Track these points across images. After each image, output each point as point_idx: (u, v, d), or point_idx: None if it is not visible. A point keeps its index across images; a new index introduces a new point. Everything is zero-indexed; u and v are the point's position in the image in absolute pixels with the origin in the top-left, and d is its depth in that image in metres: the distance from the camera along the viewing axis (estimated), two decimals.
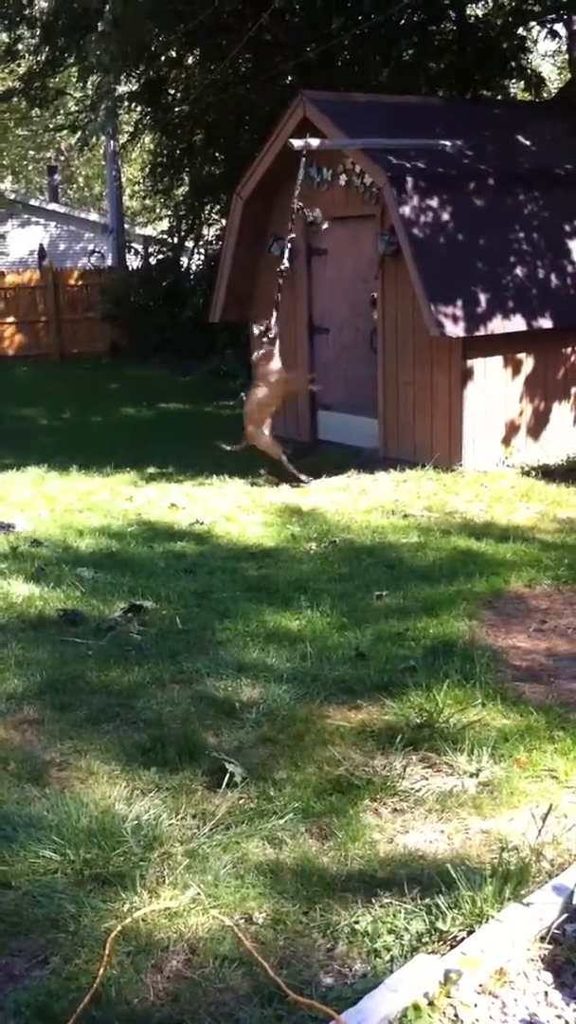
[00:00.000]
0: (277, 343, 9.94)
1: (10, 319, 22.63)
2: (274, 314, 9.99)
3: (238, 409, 14.93)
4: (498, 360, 9.94)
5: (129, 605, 5.84)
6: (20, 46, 19.11)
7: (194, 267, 22.29)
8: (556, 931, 2.98)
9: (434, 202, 9.83)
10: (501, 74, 18.15)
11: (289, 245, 10.07)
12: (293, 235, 10.01)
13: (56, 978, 2.87)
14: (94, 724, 4.45)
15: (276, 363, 9.94)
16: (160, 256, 22.71)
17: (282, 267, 10.02)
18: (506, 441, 10.12)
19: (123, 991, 2.81)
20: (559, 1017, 2.71)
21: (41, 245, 25.94)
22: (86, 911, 3.13)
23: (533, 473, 9.57)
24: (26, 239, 27.14)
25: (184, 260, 22.54)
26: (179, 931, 3.05)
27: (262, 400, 10.03)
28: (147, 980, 2.86)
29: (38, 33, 17.81)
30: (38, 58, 18.90)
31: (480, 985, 2.78)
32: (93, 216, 29.51)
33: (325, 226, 10.21)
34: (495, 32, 17.49)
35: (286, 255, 10.05)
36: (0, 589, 6.21)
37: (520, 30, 17.95)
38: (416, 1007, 2.59)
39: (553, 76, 24.99)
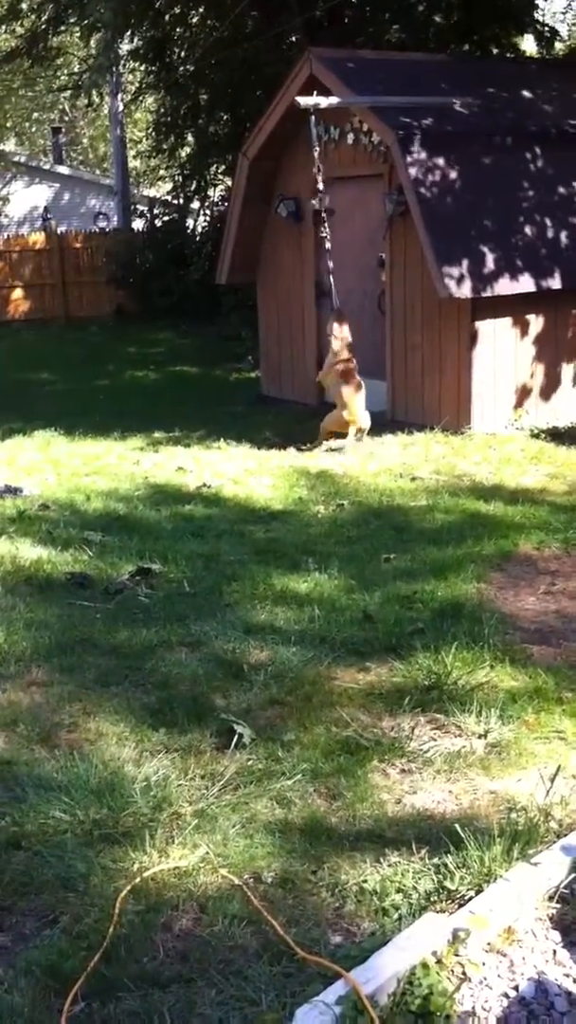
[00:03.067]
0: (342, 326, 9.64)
1: (15, 282, 22.52)
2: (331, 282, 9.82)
3: (245, 372, 14.94)
4: (507, 321, 9.86)
5: (137, 568, 5.84)
6: (24, 5, 18.84)
7: (200, 229, 22.11)
8: (564, 890, 2.99)
9: (442, 161, 9.71)
10: (512, 30, 17.86)
11: (324, 200, 9.74)
12: (322, 190, 9.72)
13: (66, 937, 2.89)
14: (103, 686, 4.46)
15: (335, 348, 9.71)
16: (165, 218, 22.53)
17: (323, 231, 9.78)
18: (515, 404, 10.06)
19: (133, 950, 2.83)
20: (567, 975, 2.72)
21: (45, 207, 25.78)
22: (96, 871, 3.15)
23: (542, 436, 9.52)
24: (29, 199, 26.96)
25: (190, 221, 22.37)
26: (188, 890, 3.07)
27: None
28: (157, 939, 2.88)
29: None
30: (41, 17, 18.65)
31: (488, 944, 2.79)
32: (98, 178, 29.29)
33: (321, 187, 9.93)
34: None
35: (326, 230, 9.77)
36: (8, 552, 6.21)
37: None
38: (424, 965, 2.60)
39: (563, 31, 24.61)
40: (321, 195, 9.74)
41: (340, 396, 9.54)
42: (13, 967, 2.79)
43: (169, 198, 23.29)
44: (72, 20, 18.22)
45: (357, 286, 10.94)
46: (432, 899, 3.00)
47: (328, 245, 9.76)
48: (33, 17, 19.13)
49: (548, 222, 10.14)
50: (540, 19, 18.56)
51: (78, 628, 5.08)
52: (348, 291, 11.08)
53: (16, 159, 27.05)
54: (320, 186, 9.67)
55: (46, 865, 3.19)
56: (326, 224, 9.77)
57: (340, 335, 9.62)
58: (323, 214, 9.79)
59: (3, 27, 20.53)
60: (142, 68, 20.12)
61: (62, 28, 18.87)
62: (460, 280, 9.27)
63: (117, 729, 4.05)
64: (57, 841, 3.30)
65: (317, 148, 9.60)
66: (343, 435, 9.43)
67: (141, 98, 22.28)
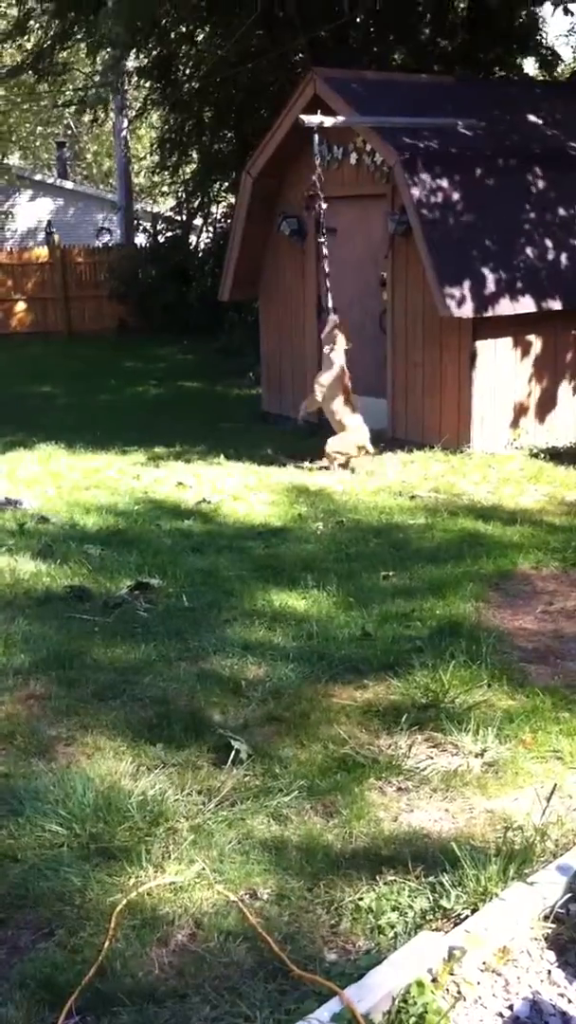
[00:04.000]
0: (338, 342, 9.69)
1: (18, 296, 22.59)
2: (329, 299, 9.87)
3: (246, 388, 14.97)
4: (507, 341, 9.90)
5: (136, 582, 5.85)
6: (32, 21, 18.97)
7: (202, 245, 22.20)
8: (560, 910, 2.99)
9: (445, 182, 9.77)
10: (515, 52, 17.99)
11: (323, 217, 9.82)
12: (322, 197, 9.79)
13: (61, 951, 2.89)
14: (100, 700, 4.46)
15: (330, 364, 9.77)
16: (168, 234, 22.63)
17: (322, 242, 9.85)
18: (514, 423, 10.09)
19: (128, 964, 2.83)
20: (562, 995, 2.72)
21: (49, 222, 25.88)
22: (92, 885, 3.15)
23: (541, 455, 9.54)
24: (33, 212, 27.07)
25: (192, 238, 22.46)
26: (184, 906, 3.07)
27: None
28: (152, 954, 2.88)
29: (49, 7, 17.65)
30: (48, 32, 18.77)
31: (483, 963, 2.79)
32: (102, 193, 29.41)
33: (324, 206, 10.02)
34: (509, 10, 17.30)
35: (324, 239, 9.86)
36: (7, 565, 6.22)
37: (534, 7, 17.76)
38: (419, 984, 2.60)
39: (568, 56, 24.78)
40: (320, 206, 9.79)
41: (342, 422, 9.55)
42: (8, 980, 2.79)
43: (172, 214, 23.40)
44: (79, 36, 18.33)
45: (358, 305, 10.99)
46: (428, 917, 3.00)
47: (325, 251, 9.82)
48: (40, 33, 19.25)
49: (549, 243, 10.20)
50: (543, 42, 18.68)
51: (76, 642, 5.08)
52: (349, 309, 11.13)
53: (20, 173, 27.16)
54: (320, 195, 9.71)
55: (42, 878, 3.19)
56: (324, 236, 9.82)
57: (341, 346, 9.61)
58: (322, 225, 9.83)
59: (10, 42, 20.63)
60: (147, 85, 20.23)
61: (69, 44, 18.98)
62: (461, 300, 9.32)
63: (114, 743, 4.05)
64: (53, 855, 3.30)
65: (318, 161, 9.68)
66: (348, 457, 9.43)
67: (146, 115, 22.40)
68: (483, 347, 9.75)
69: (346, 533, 7.06)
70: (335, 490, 8.29)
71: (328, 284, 9.91)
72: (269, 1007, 2.66)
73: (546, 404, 10.30)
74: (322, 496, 8.10)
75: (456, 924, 2.92)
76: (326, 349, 9.76)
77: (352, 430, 9.49)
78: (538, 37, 18.18)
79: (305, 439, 10.53)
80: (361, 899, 3.09)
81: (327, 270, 9.86)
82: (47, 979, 2.76)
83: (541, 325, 10.02)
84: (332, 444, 9.48)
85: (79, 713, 4.33)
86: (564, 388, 10.40)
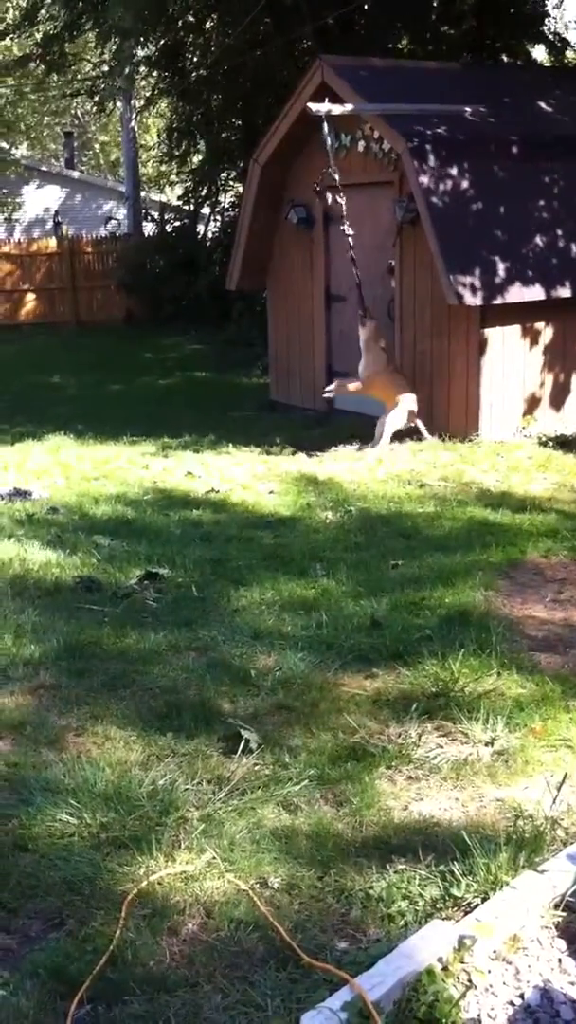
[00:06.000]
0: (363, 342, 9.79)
1: (26, 286, 22.59)
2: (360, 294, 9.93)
3: (255, 378, 14.96)
4: (516, 329, 9.86)
5: (145, 572, 5.85)
6: (43, 12, 18.93)
7: (210, 234, 22.16)
8: (570, 899, 2.99)
9: (453, 169, 9.72)
10: (522, 39, 17.89)
11: (344, 211, 9.83)
12: (343, 198, 9.80)
13: (72, 940, 2.90)
14: (110, 690, 4.47)
15: (368, 362, 9.83)
16: (176, 223, 22.58)
17: (346, 233, 9.85)
18: (524, 411, 10.06)
19: (139, 954, 2.83)
20: (572, 984, 2.72)
21: (57, 212, 25.86)
22: (102, 874, 3.16)
23: (550, 443, 9.51)
24: (41, 202, 27.05)
25: (200, 227, 22.41)
26: (195, 895, 3.07)
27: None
28: (163, 943, 2.89)
29: None
30: (56, 23, 18.74)
31: (494, 951, 2.79)
32: (109, 182, 29.37)
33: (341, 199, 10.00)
34: None
35: (346, 227, 9.86)
36: (17, 555, 6.22)
37: None
38: (430, 972, 2.60)
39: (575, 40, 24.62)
40: (339, 199, 9.77)
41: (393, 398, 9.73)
42: (19, 969, 2.80)
43: (180, 203, 23.34)
44: (88, 27, 18.30)
45: (367, 292, 10.95)
46: (438, 906, 3.00)
47: (350, 236, 9.81)
48: (48, 23, 19.22)
49: (558, 230, 10.15)
50: (551, 29, 18.60)
51: (86, 632, 5.09)
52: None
53: (28, 164, 27.14)
54: (339, 186, 9.70)
55: (53, 868, 3.19)
56: (349, 232, 9.79)
57: (380, 344, 9.72)
58: (344, 219, 9.81)
59: (19, 32, 20.59)
60: (155, 75, 20.18)
61: (77, 34, 18.94)
62: (469, 287, 9.28)
63: (124, 733, 4.06)
64: (64, 844, 3.31)
65: (331, 150, 9.66)
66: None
67: (154, 104, 22.36)
68: (491, 335, 9.72)
69: (355, 522, 7.06)
70: (344, 479, 8.28)
71: (359, 280, 9.90)
72: (280, 996, 2.67)
73: (555, 392, 10.27)
74: (331, 485, 8.09)
75: (467, 913, 2.92)
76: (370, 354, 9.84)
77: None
78: (546, 24, 18.09)
79: (312, 428, 10.51)
80: (371, 888, 3.09)
81: (357, 274, 9.84)
82: (58, 968, 2.77)
83: (550, 313, 9.98)
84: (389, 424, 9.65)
85: (89, 703, 4.34)
86: (573, 376, 10.36)
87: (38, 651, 4.87)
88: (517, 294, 9.53)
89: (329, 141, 9.68)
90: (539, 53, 19.83)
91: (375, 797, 3.57)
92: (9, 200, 26.53)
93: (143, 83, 21.66)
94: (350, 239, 9.80)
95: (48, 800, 3.52)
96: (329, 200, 10.22)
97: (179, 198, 24.29)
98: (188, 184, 22.59)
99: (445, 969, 2.66)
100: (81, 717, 4.22)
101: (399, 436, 9.64)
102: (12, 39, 22.91)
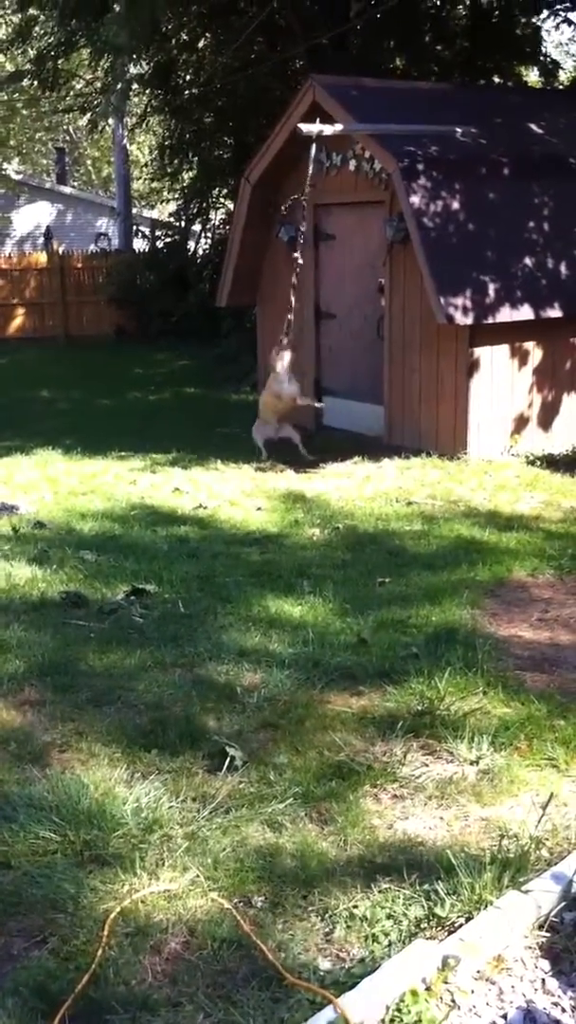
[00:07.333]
0: (288, 354, 9.95)
1: (16, 301, 22.60)
2: (289, 317, 9.99)
3: (244, 394, 14.97)
4: (505, 349, 9.91)
5: (131, 588, 5.84)
6: (37, 28, 18.98)
7: (201, 251, 22.22)
8: (554, 919, 2.99)
9: (444, 189, 9.78)
10: (515, 60, 18.04)
11: (302, 233, 10.01)
12: (305, 216, 9.97)
13: (55, 958, 2.88)
14: (95, 706, 4.45)
15: (277, 381, 9.97)
16: (167, 240, 22.64)
17: (295, 258, 9.99)
18: (511, 430, 10.10)
19: (121, 972, 2.81)
20: (556, 1004, 2.71)
21: (48, 227, 25.91)
22: (85, 892, 3.14)
23: (538, 462, 9.55)
24: (33, 218, 27.10)
25: (191, 244, 22.48)
26: (178, 913, 3.06)
27: (264, 402, 10.28)
28: (145, 962, 2.87)
29: (52, 14, 17.67)
30: (49, 40, 18.79)
31: (478, 971, 2.79)
32: (101, 198, 29.44)
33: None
34: (510, 18, 17.38)
35: (299, 250, 10.01)
36: (3, 570, 6.21)
37: (534, 18, 17.84)
38: (413, 992, 2.59)
39: (567, 64, 24.87)
40: (304, 219, 9.95)
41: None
42: (0, 987, 2.78)
43: (172, 220, 23.40)
44: (81, 44, 18.36)
45: (357, 311, 11.00)
46: (422, 926, 2.99)
47: (298, 267, 10.02)
48: (43, 40, 19.27)
49: (547, 251, 10.21)
50: (543, 51, 18.76)
51: (72, 647, 5.08)
52: (348, 315, 11.16)
53: (19, 178, 27.19)
54: (304, 204, 9.85)
55: (35, 885, 3.18)
56: (299, 249, 10.07)
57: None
58: (299, 239, 10.08)
59: (12, 49, 20.65)
60: (147, 92, 20.27)
61: (69, 51, 18.99)
62: (458, 307, 9.33)
63: (109, 749, 4.04)
64: (47, 861, 3.29)
65: (312, 171, 9.78)
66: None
67: (146, 122, 22.45)
68: (480, 354, 9.76)
69: (342, 539, 7.06)
70: (332, 496, 8.29)
71: (294, 303, 10.09)
72: (263, 1015, 2.65)
73: (543, 411, 10.31)
74: (318, 502, 8.10)
75: (450, 932, 2.92)
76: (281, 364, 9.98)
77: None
78: (538, 46, 18.25)
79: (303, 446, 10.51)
80: (355, 907, 3.08)
81: (295, 281, 10.05)
82: (40, 987, 2.75)
83: (539, 333, 10.03)
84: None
85: (74, 719, 4.32)
86: (562, 396, 10.41)
87: (23, 666, 4.85)
88: (507, 314, 9.58)
89: (311, 169, 9.82)
90: (530, 74, 19.99)
91: (360, 815, 3.56)
92: (1, 215, 26.57)
93: (135, 100, 21.74)
94: (298, 265, 10.01)
95: (31, 816, 3.50)
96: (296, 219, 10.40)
97: (170, 215, 24.37)
98: (180, 201, 22.67)
99: (428, 989, 2.66)
100: (66, 733, 4.20)
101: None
102: (5, 55, 22.98)
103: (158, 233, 23.15)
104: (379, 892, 3.14)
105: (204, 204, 21.37)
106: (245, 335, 15.46)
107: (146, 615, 5.53)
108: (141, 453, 10.63)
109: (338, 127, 9.92)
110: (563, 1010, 2.69)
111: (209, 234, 22.23)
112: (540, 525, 7.36)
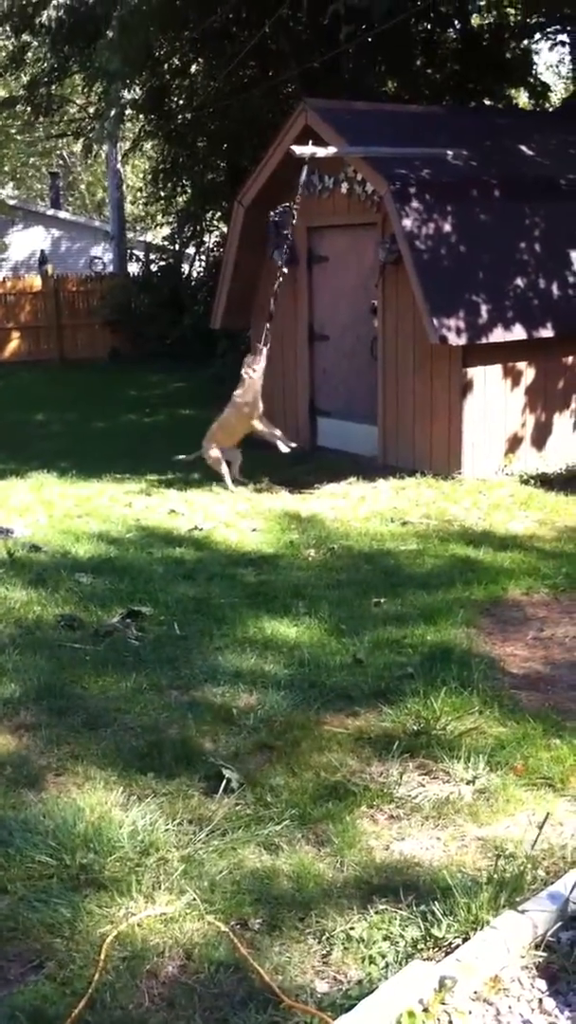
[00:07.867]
0: (258, 372, 9.98)
1: (11, 324, 22.67)
2: (266, 333, 10.07)
3: None
4: (498, 368, 9.95)
5: (127, 611, 5.85)
6: (29, 54, 19.13)
7: (195, 274, 22.32)
8: (551, 939, 2.98)
9: (436, 211, 9.84)
10: (505, 83, 18.19)
11: (289, 239, 10.13)
12: (290, 240, 10.13)
13: (51, 983, 2.87)
14: (91, 729, 4.45)
15: (247, 394, 10.00)
16: (161, 263, 22.75)
17: (279, 266, 10.10)
18: (505, 449, 10.13)
19: (118, 996, 2.81)
20: None
21: (42, 251, 25.99)
22: (82, 916, 3.13)
23: (532, 482, 9.57)
24: (27, 242, 27.21)
25: (185, 267, 22.58)
26: (174, 936, 3.05)
27: (223, 422, 10.17)
28: (142, 985, 2.86)
29: (46, 41, 17.82)
30: (42, 66, 18.93)
31: (475, 992, 2.78)
32: (95, 222, 29.57)
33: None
34: (500, 41, 17.54)
35: (282, 259, 10.19)
36: None
37: (524, 41, 18.01)
38: (411, 1014, 2.59)
39: (558, 85, 25.07)
40: (289, 243, 10.12)
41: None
42: None
43: (166, 243, 23.52)
44: (75, 70, 18.50)
45: (350, 331, 11.05)
46: (419, 946, 2.99)
47: (281, 274, 10.20)
48: (36, 66, 19.42)
49: (539, 272, 10.27)
50: (534, 73, 18.91)
51: (67, 670, 5.07)
52: (341, 336, 11.20)
53: (12, 203, 27.29)
54: (289, 233, 10.08)
55: (31, 910, 3.17)
56: (282, 272, 10.19)
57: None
58: (283, 254, 10.19)
59: (7, 74, 20.80)
60: (140, 117, 20.40)
61: (62, 76, 19.14)
62: (451, 328, 9.37)
63: (105, 773, 4.04)
64: (43, 886, 3.29)
65: (300, 195, 9.96)
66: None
67: (139, 146, 22.59)
68: (474, 374, 9.80)
69: (337, 560, 7.07)
70: (327, 517, 8.31)
71: (270, 315, 10.16)
72: None
73: (537, 431, 10.35)
74: (314, 523, 8.11)
75: (447, 953, 2.91)
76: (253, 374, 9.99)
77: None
78: (528, 69, 18.40)
79: (295, 465, 10.54)
80: (352, 928, 3.08)
81: (272, 304, 10.15)
82: (37, 1011, 2.74)
83: (532, 353, 10.08)
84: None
85: (69, 743, 4.32)
86: (555, 415, 10.45)
87: (19, 690, 4.85)
88: (499, 334, 9.63)
89: (300, 192, 9.93)
90: (520, 97, 20.16)
91: (356, 837, 3.56)
92: None
93: (129, 125, 21.86)
94: (281, 273, 10.17)
95: (27, 841, 3.49)
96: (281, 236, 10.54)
97: (164, 238, 24.48)
98: (173, 224, 22.78)
99: (426, 1010, 2.65)
100: (61, 757, 4.20)
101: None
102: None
103: (152, 256, 23.25)
104: (376, 913, 3.14)
105: (198, 227, 21.48)
106: (240, 357, 15.49)
107: (142, 637, 5.53)
108: (136, 475, 10.64)
109: (331, 150, 10.01)
110: None
111: (203, 256, 22.34)
112: (535, 544, 7.38)
